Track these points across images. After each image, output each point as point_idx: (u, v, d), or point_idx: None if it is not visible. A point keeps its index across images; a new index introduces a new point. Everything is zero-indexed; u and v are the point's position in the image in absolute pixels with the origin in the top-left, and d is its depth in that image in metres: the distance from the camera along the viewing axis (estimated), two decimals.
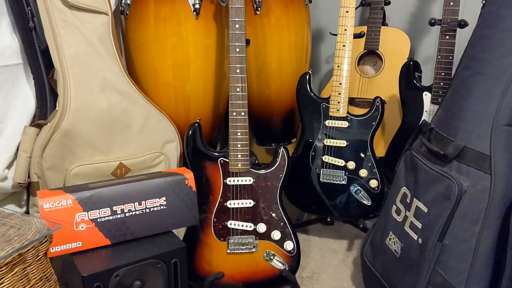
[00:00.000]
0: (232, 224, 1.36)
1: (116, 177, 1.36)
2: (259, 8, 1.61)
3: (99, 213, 1.14)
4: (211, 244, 1.36)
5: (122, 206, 1.17)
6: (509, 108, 1.04)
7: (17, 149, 1.33)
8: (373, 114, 1.53)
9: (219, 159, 1.34)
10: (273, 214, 1.37)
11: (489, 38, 1.10)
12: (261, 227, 1.36)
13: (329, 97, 1.55)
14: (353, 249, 1.69)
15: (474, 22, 1.19)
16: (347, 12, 1.49)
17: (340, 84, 1.52)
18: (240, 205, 1.35)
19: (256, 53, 1.66)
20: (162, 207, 1.22)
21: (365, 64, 1.90)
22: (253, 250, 1.37)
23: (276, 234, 1.37)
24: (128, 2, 1.48)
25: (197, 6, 1.44)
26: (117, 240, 1.17)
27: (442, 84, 1.59)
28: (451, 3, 1.54)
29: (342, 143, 1.55)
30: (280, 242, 1.38)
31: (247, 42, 1.61)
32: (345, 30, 1.49)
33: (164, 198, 1.22)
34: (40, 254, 0.97)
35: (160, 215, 1.22)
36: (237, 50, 1.30)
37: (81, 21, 1.32)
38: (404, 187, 1.25)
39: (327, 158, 1.57)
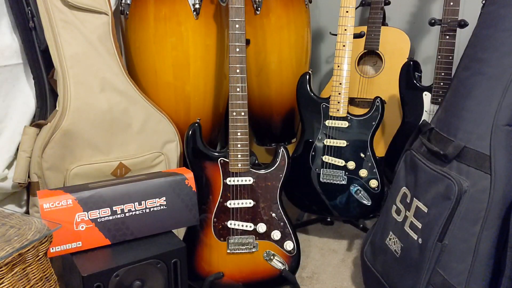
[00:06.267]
0: (232, 224, 1.36)
1: (116, 177, 1.36)
2: (259, 8, 1.61)
3: (99, 213, 1.14)
4: (211, 244, 1.36)
5: (122, 206, 1.17)
6: (509, 108, 1.04)
7: (17, 149, 1.33)
8: (373, 114, 1.53)
9: (219, 159, 1.34)
10: (273, 214, 1.37)
11: (489, 38, 1.10)
12: (261, 227, 1.36)
13: (329, 97, 1.55)
14: (353, 249, 1.69)
15: (474, 22, 1.19)
16: (347, 12, 1.49)
17: (340, 84, 1.52)
18: (240, 205, 1.36)
19: (256, 53, 1.66)
20: (162, 207, 1.22)
21: (365, 64, 1.90)
22: (253, 250, 1.37)
23: (276, 234, 1.37)
24: (128, 2, 1.48)
25: (197, 6, 1.44)
26: (117, 240, 1.17)
27: (442, 84, 1.59)
28: (451, 3, 1.54)
29: (342, 143, 1.55)
30: (280, 242, 1.38)
31: (247, 42, 1.61)
32: (345, 30, 1.49)
33: (164, 198, 1.22)
34: (40, 254, 0.97)
35: (160, 215, 1.22)
36: (237, 50, 1.30)
37: (81, 21, 1.32)
38: (404, 187, 1.25)
39: (327, 158, 1.57)
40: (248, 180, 1.34)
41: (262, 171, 1.35)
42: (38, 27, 1.33)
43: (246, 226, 1.36)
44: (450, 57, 1.56)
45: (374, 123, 1.53)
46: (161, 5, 1.44)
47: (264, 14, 1.62)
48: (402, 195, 1.25)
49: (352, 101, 1.87)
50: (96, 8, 1.34)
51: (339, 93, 1.53)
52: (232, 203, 1.35)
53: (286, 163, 1.36)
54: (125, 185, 1.18)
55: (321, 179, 1.59)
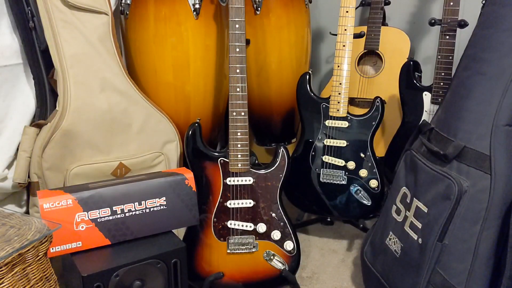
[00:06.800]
0: (232, 224, 1.36)
1: (116, 177, 1.36)
2: (259, 8, 1.61)
3: (99, 213, 1.14)
4: (211, 244, 1.36)
5: (122, 206, 1.17)
6: (509, 108, 1.04)
7: (17, 149, 1.33)
8: (373, 114, 1.53)
9: (219, 159, 1.34)
10: (273, 214, 1.37)
11: (489, 38, 1.10)
12: (261, 227, 1.36)
13: (329, 97, 1.55)
14: (353, 249, 1.69)
15: (474, 22, 1.19)
16: (347, 12, 1.49)
17: (340, 84, 1.52)
18: (240, 205, 1.35)
19: (256, 53, 1.66)
20: (162, 207, 1.22)
21: (365, 64, 1.90)
22: (253, 250, 1.37)
23: (276, 234, 1.37)
24: (128, 2, 1.48)
25: (197, 6, 1.44)
26: (117, 240, 1.17)
27: (442, 84, 1.59)
28: (451, 3, 1.54)
29: (342, 143, 1.55)
30: (280, 242, 1.38)
31: (247, 42, 1.61)
32: (345, 30, 1.49)
33: (164, 198, 1.22)
34: (40, 254, 0.97)
35: (160, 215, 1.22)
36: (237, 50, 1.30)
37: (81, 21, 1.32)
38: (404, 187, 1.25)
39: (327, 158, 1.57)
40: (248, 180, 1.34)
41: (262, 171, 1.35)
42: (38, 27, 1.33)
43: (246, 226, 1.36)
44: (450, 57, 1.56)
45: (374, 123, 1.53)
46: (161, 5, 1.44)
47: (264, 14, 1.62)
48: (402, 195, 1.25)
49: (352, 101, 1.87)
50: (96, 8, 1.34)
51: (339, 93, 1.53)
52: (232, 203, 1.35)
53: (286, 163, 1.36)
54: (125, 185, 1.18)
55: (321, 179, 1.59)
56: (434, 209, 1.11)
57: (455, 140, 1.12)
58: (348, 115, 1.54)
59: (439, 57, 1.58)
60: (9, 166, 1.35)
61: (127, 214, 1.18)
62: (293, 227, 1.39)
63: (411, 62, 1.69)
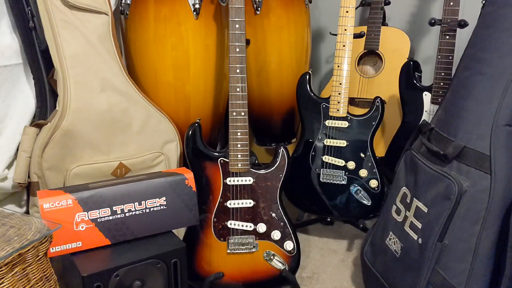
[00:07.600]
0: (232, 224, 1.36)
1: (116, 177, 1.36)
2: (259, 8, 1.61)
3: (99, 213, 1.14)
4: (211, 244, 1.36)
5: (122, 206, 1.17)
6: (509, 108, 1.04)
7: (17, 149, 1.33)
8: (373, 114, 1.53)
9: (219, 159, 1.34)
10: (273, 214, 1.37)
11: (489, 38, 1.10)
12: (261, 227, 1.36)
13: (329, 97, 1.55)
14: (353, 249, 1.69)
15: (474, 22, 1.19)
16: (347, 12, 1.49)
17: (340, 84, 1.52)
18: (240, 205, 1.36)
19: (256, 53, 1.66)
20: (162, 207, 1.22)
21: (365, 64, 1.90)
22: (253, 250, 1.37)
23: (276, 234, 1.37)
24: (128, 2, 1.48)
25: (197, 6, 1.44)
26: (117, 240, 1.17)
27: (442, 84, 1.59)
28: (451, 3, 1.54)
29: (342, 143, 1.55)
30: (280, 242, 1.38)
31: (247, 42, 1.61)
32: (345, 30, 1.50)
33: (164, 198, 1.22)
34: (40, 254, 0.97)
35: (160, 215, 1.22)
36: (237, 50, 1.30)
37: (81, 21, 1.32)
38: (404, 187, 1.25)
39: (327, 158, 1.57)
40: (248, 180, 1.34)
41: (262, 171, 1.35)
42: (38, 27, 1.33)
43: (246, 226, 1.36)
44: (450, 57, 1.56)
45: (374, 123, 1.53)
46: (161, 5, 1.44)
47: (264, 14, 1.62)
48: (402, 195, 1.25)
49: (352, 101, 1.87)
50: (96, 8, 1.34)
51: (339, 93, 1.53)
52: (232, 203, 1.35)
53: (286, 163, 1.36)
54: (125, 185, 1.18)
55: (321, 179, 1.59)
56: (434, 209, 1.11)
57: (455, 140, 1.12)
58: (348, 115, 1.54)
59: (439, 57, 1.58)
60: (9, 166, 1.35)
61: (127, 214, 1.18)
62: (293, 227, 1.39)
63: (411, 62, 1.69)
